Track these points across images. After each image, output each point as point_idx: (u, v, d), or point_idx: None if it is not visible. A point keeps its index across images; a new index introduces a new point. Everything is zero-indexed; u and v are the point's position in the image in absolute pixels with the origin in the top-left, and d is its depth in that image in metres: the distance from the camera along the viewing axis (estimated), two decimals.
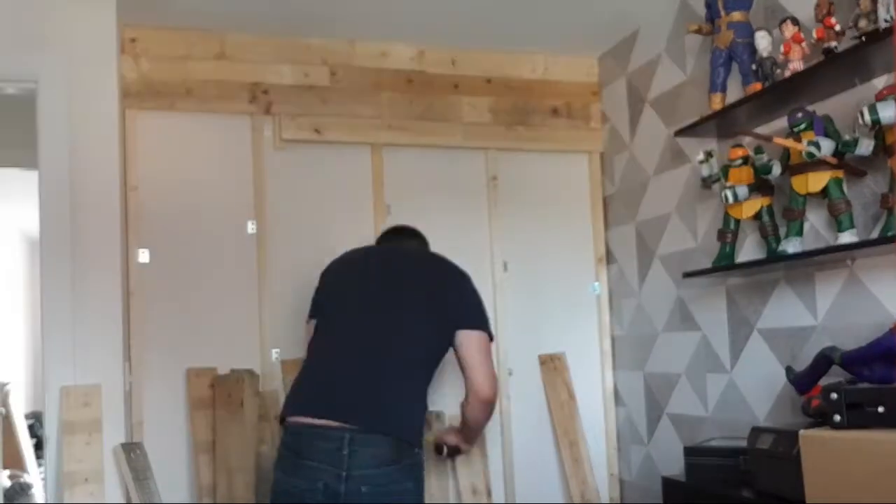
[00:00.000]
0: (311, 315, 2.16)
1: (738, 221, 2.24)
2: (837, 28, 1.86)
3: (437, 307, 2.05)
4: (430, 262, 2.20)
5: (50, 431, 2.19)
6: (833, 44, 1.86)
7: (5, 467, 4.59)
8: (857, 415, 1.59)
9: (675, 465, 2.38)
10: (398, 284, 2.07)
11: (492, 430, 2.85)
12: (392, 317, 2.01)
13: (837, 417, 1.61)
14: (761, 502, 1.81)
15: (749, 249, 2.29)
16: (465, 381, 2.08)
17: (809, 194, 1.97)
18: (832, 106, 1.98)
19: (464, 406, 2.15)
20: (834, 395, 1.62)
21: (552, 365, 2.95)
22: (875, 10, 1.74)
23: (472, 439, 2.38)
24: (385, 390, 1.93)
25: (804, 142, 1.90)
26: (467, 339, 2.06)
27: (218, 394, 2.50)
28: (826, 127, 1.93)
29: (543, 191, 3.00)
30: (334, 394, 1.92)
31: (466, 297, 2.14)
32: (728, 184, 2.19)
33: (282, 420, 2.02)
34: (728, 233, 2.26)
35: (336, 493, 1.85)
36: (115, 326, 2.27)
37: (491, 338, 2.13)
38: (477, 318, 2.12)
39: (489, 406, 2.13)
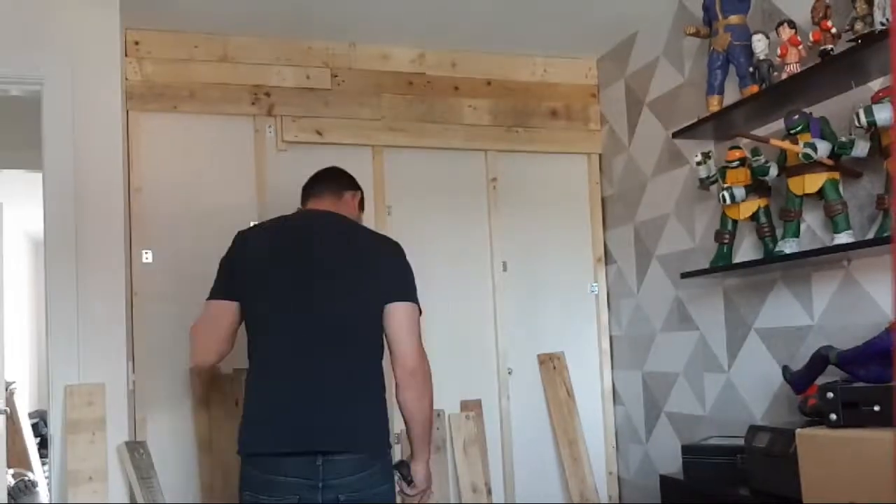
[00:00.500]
0: (223, 295, 1.92)
1: (735, 222, 2.25)
2: (834, 31, 1.87)
3: (372, 288, 1.89)
4: (357, 239, 1.98)
5: (54, 430, 2.20)
6: (829, 46, 1.88)
7: (10, 466, 4.61)
8: (853, 414, 1.61)
9: (673, 464, 2.39)
10: (331, 273, 1.88)
11: (492, 430, 2.87)
12: (334, 315, 1.85)
13: (834, 416, 1.63)
14: (758, 500, 1.82)
15: (746, 250, 2.30)
16: (391, 357, 1.90)
17: (806, 195, 1.98)
18: (828, 108, 2.00)
19: (398, 396, 1.91)
20: (830, 395, 1.64)
21: (551, 364, 2.97)
22: (871, 13, 1.76)
23: (421, 450, 1.99)
24: (348, 406, 1.82)
25: (801, 143, 1.92)
26: (395, 311, 1.89)
27: (214, 393, 2.53)
28: (822, 129, 1.94)
29: (543, 192, 3.02)
30: (297, 425, 1.79)
31: (395, 270, 1.95)
32: (725, 185, 2.20)
33: (243, 454, 1.85)
34: (725, 233, 2.28)
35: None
36: (118, 326, 2.29)
37: (420, 311, 1.95)
38: (405, 289, 1.93)
39: (420, 381, 1.90)
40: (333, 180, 2.11)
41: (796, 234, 2.04)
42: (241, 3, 2.50)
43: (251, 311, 1.92)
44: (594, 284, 3.06)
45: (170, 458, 2.46)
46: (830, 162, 1.91)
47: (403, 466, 1.99)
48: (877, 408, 1.58)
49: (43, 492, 5.07)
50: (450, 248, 2.89)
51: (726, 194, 2.17)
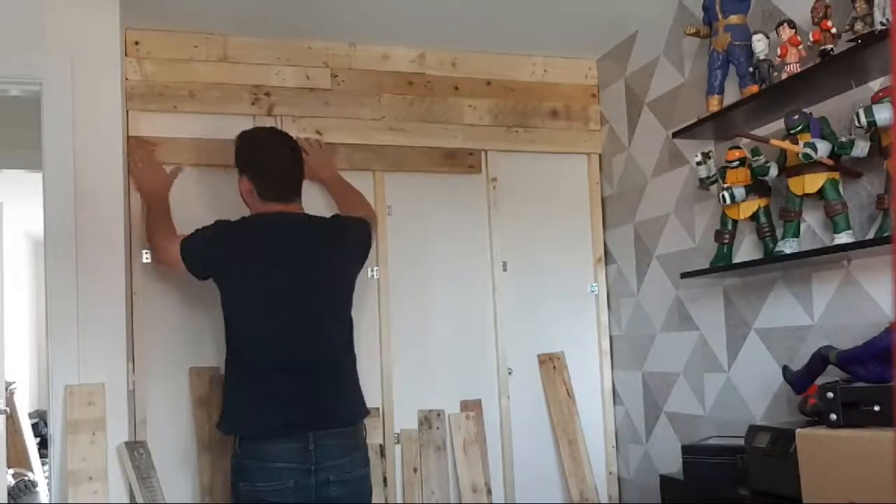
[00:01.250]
0: (188, 263, 2.20)
1: (735, 222, 2.25)
2: (834, 31, 1.87)
3: (346, 266, 2.22)
4: (324, 228, 2.25)
5: (54, 430, 2.20)
6: (829, 46, 1.88)
7: (10, 466, 4.61)
8: (853, 413, 1.61)
9: (673, 464, 2.39)
10: (307, 263, 2.14)
11: (492, 429, 2.87)
12: (315, 301, 2.11)
13: (834, 416, 1.63)
14: (758, 500, 1.82)
15: (746, 250, 2.31)
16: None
17: (806, 195, 1.98)
18: (828, 108, 2.00)
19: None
20: (830, 395, 1.64)
21: (551, 364, 2.97)
22: (871, 13, 1.76)
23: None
24: (336, 386, 2.08)
25: (801, 143, 1.92)
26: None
27: (214, 392, 2.53)
28: (822, 129, 1.95)
29: (543, 192, 3.02)
30: (292, 410, 2.01)
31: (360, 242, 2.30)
32: (725, 185, 2.20)
33: (238, 438, 2.05)
34: (725, 233, 2.28)
35: (307, 487, 1.95)
36: (118, 326, 2.29)
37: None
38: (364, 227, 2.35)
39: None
40: (300, 169, 2.29)
41: (796, 234, 2.05)
42: (241, 3, 2.50)
43: (236, 302, 2.13)
44: (594, 284, 3.06)
45: (170, 458, 2.46)
46: (830, 162, 1.91)
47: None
48: (877, 408, 1.58)
49: (43, 492, 5.08)
50: (450, 248, 2.89)
51: (726, 194, 2.17)
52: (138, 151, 2.52)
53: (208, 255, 2.18)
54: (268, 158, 2.22)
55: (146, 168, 2.48)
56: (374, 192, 2.80)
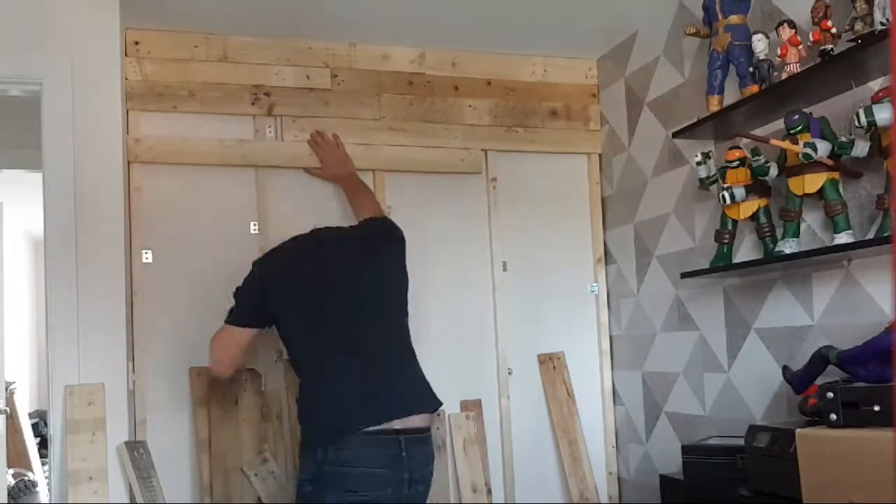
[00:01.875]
0: (254, 324, 2.13)
1: (735, 222, 2.25)
2: (834, 31, 1.87)
3: (396, 271, 2.24)
4: (367, 232, 2.32)
5: (54, 430, 2.20)
6: (829, 46, 1.88)
7: (10, 466, 4.61)
8: (853, 414, 1.61)
9: (673, 464, 2.39)
10: (361, 269, 2.16)
11: (492, 430, 2.87)
12: (375, 307, 2.12)
13: (834, 416, 1.63)
14: (758, 500, 1.82)
15: (746, 250, 2.31)
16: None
17: (806, 195, 1.98)
18: (828, 108, 2.00)
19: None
20: (830, 395, 1.64)
21: (551, 364, 2.97)
22: (871, 13, 1.76)
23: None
24: (415, 376, 2.13)
25: (801, 143, 1.92)
26: None
27: (213, 393, 2.53)
28: (822, 129, 1.94)
29: (543, 192, 3.02)
30: (389, 396, 2.02)
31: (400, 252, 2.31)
32: (725, 185, 2.20)
33: (337, 433, 1.95)
34: (725, 233, 2.28)
35: (399, 496, 1.95)
36: (118, 326, 2.29)
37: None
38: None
39: None
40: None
41: (796, 234, 2.04)
42: (241, 3, 2.50)
43: (294, 325, 2.10)
44: (594, 284, 3.06)
45: (170, 458, 2.46)
46: (830, 162, 1.91)
47: None
48: (877, 408, 1.58)
49: (43, 492, 5.08)
50: (450, 248, 2.89)
51: (726, 194, 2.17)
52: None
53: (268, 298, 2.10)
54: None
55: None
56: (374, 192, 2.80)
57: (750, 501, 1.85)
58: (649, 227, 2.80)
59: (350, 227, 2.41)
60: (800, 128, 1.94)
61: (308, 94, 2.76)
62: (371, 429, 1.93)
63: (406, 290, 2.24)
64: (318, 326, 2.06)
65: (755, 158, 2.11)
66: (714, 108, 2.26)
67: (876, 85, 1.88)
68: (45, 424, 3.48)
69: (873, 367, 1.70)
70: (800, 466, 1.66)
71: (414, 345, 2.20)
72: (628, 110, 2.92)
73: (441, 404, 2.15)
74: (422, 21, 2.69)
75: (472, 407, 2.85)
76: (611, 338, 3.05)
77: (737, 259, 2.30)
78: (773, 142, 2.00)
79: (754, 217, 2.19)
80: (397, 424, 1.96)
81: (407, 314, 2.22)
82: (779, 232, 2.11)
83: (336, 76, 2.80)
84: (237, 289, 2.15)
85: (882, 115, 1.74)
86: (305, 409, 2.06)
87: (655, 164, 2.76)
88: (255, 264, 2.17)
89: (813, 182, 1.94)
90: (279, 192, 2.72)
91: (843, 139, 1.88)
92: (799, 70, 1.96)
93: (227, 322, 2.14)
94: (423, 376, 2.16)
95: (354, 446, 1.92)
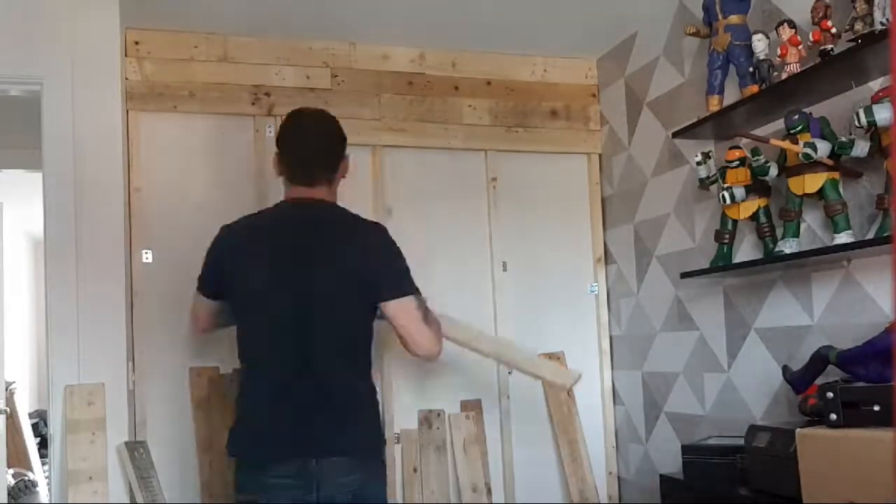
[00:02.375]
0: (208, 293, 2.01)
1: (735, 222, 2.25)
2: (834, 31, 1.87)
3: (361, 284, 1.86)
4: (344, 231, 1.93)
5: (54, 430, 2.20)
6: (829, 46, 1.88)
7: (10, 466, 4.61)
8: (853, 413, 1.61)
9: (673, 464, 2.39)
10: (317, 268, 1.85)
11: (492, 430, 2.87)
12: (323, 314, 1.83)
13: (833, 416, 1.63)
14: (758, 500, 1.82)
15: (746, 250, 2.31)
16: (403, 344, 1.94)
17: (806, 195, 1.98)
18: (828, 108, 2.00)
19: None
20: (830, 394, 1.64)
21: None
22: (871, 13, 1.76)
23: None
24: (345, 416, 1.84)
25: (801, 143, 1.92)
26: (399, 311, 1.88)
27: (213, 393, 2.53)
28: (822, 129, 1.94)
29: (543, 192, 3.02)
30: (293, 435, 1.80)
31: (387, 262, 1.90)
32: (725, 185, 2.20)
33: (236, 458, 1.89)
34: (725, 233, 2.28)
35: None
36: (118, 326, 2.29)
37: (421, 297, 1.93)
38: (401, 283, 1.89)
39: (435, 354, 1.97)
40: (331, 152, 2.00)
41: (796, 234, 2.04)
42: (241, 3, 2.50)
43: (241, 312, 1.95)
44: (594, 284, 3.06)
45: (170, 458, 2.46)
46: (830, 162, 1.91)
47: None
48: (877, 408, 1.58)
49: (43, 492, 5.08)
50: (450, 248, 2.89)
51: (726, 194, 2.17)
52: None
53: (212, 268, 1.97)
54: (298, 135, 2.00)
55: None
56: (374, 191, 2.80)
57: (750, 501, 1.84)
58: (649, 227, 2.80)
59: (343, 211, 1.99)
60: (800, 128, 1.94)
61: (308, 94, 2.76)
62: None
63: (356, 302, 1.89)
64: (264, 330, 1.86)
65: (755, 158, 2.11)
66: (714, 108, 2.26)
67: (876, 85, 1.88)
68: (45, 424, 3.48)
69: (873, 367, 1.70)
70: (800, 466, 1.66)
71: None
72: (628, 110, 2.92)
73: (371, 451, 1.89)
74: (422, 21, 2.69)
75: (472, 407, 2.85)
76: (611, 338, 3.05)
77: (737, 259, 2.30)
78: (773, 142, 2.00)
79: (754, 217, 2.19)
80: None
81: (369, 346, 1.94)
82: (779, 232, 2.11)
83: (336, 76, 2.81)
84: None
85: (882, 115, 1.74)
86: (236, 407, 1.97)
87: (655, 164, 2.76)
88: (220, 229, 2.00)
89: (813, 182, 1.94)
90: (279, 192, 2.71)
91: (843, 139, 1.88)
92: (799, 70, 1.96)
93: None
94: (359, 423, 1.86)
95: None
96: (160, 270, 2.54)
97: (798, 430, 1.68)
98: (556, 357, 2.98)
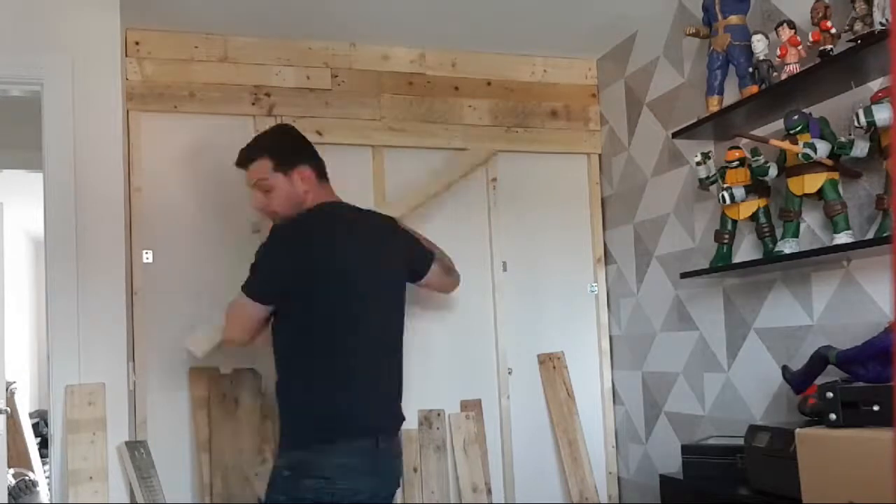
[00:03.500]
0: (269, 298, 2.01)
1: (735, 222, 2.25)
2: (833, 31, 1.87)
3: (408, 274, 2.25)
4: (383, 230, 2.21)
5: (55, 430, 2.20)
6: (829, 47, 1.88)
7: (10, 466, 4.61)
8: (853, 413, 1.61)
9: (672, 464, 2.39)
10: (382, 265, 2.12)
11: (492, 430, 2.87)
12: (388, 303, 2.13)
13: (833, 416, 1.63)
14: (758, 500, 1.82)
15: (746, 250, 2.31)
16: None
17: (805, 195, 1.98)
18: (828, 108, 2.00)
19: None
20: (830, 394, 1.64)
21: (551, 364, 2.97)
22: (871, 14, 1.76)
23: None
24: (395, 399, 2.14)
25: (800, 144, 1.92)
26: (432, 280, 2.38)
27: (213, 393, 2.53)
28: (822, 129, 1.95)
29: (543, 192, 3.02)
30: (379, 412, 2.06)
31: (411, 246, 2.29)
32: (725, 185, 2.20)
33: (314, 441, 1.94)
34: (725, 233, 2.28)
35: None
36: (119, 326, 2.29)
37: (435, 256, 2.36)
38: (425, 257, 2.33)
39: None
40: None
41: (796, 235, 2.05)
42: (241, 3, 2.50)
43: (322, 306, 2.00)
44: (594, 284, 3.06)
45: (170, 458, 2.46)
46: (830, 162, 1.91)
47: None
48: (876, 408, 1.58)
49: (43, 491, 5.08)
50: (450, 248, 2.88)
51: (726, 194, 2.17)
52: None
53: (279, 273, 2.00)
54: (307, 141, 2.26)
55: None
56: (374, 191, 2.80)
57: (750, 501, 1.85)
58: (649, 227, 2.80)
59: (369, 211, 2.25)
60: (799, 128, 1.94)
61: (308, 95, 2.76)
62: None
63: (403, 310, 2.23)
64: (332, 328, 1.99)
65: (755, 158, 2.11)
66: (714, 108, 2.26)
67: (875, 85, 1.88)
68: (46, 424, 3.48)
69: (873, 367, 1.70)
70: (799, 466, 1.66)
71: (406, 346, 2.18)
72: (628, 110, 2.93)
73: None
74: (422, 21, 2.69)
75: (472, 407, 2.85)
76: (611, 338, 3.05)
77: (736, 259, 2.30)
78: (773, 142, 2.00)
79: (754, 217, 2.19)
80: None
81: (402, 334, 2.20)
82: (778, 232, 2.11)
83: (336, 76, 2.81)
84: (252, 266, 2.05)
85: (881, 115, 1.74)
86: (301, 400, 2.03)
87: (655, 165, 2.77)
88: (271, 231, 2.08)
89: (812, 182, 1.94)
90: None
91: (843, 139, 1.88)
92: (798, 70, 1.96)
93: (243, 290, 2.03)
94: (398, 406, 2.15)
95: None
96: (160, 270, 2.55)
97: (798, 430, 1.68)
98: (556, 357, 2.98)
